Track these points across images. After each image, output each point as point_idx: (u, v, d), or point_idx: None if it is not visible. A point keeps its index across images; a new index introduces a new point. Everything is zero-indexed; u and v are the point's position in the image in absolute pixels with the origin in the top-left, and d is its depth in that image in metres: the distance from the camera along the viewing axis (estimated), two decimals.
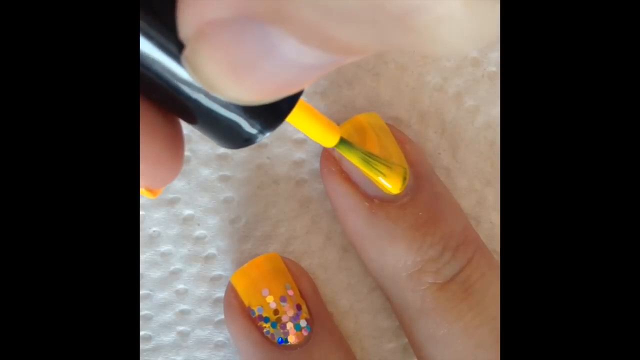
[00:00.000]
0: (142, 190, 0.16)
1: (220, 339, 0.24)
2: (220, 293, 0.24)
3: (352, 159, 0.21)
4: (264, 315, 0.22)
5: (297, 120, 0.19)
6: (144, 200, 0.24)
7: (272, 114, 0.16)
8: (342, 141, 0.20)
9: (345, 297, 0.24)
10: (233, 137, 0.16)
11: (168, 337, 0.24)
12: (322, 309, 0.23)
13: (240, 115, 0.15)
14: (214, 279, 0.24)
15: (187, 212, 0.24)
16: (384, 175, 0.21)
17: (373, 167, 0.21)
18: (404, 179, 0.21)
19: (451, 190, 0.24)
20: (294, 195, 0.24)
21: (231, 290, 0.23)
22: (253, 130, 0.16)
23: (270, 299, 0.22)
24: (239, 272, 0.23)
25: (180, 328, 0.24)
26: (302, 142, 0.24)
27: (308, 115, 0.19)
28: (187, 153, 0.24)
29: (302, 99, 0.18)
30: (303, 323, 0.22)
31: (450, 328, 0.21)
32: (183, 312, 0.24)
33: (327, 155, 0.22)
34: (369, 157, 0.21)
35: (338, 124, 0.23)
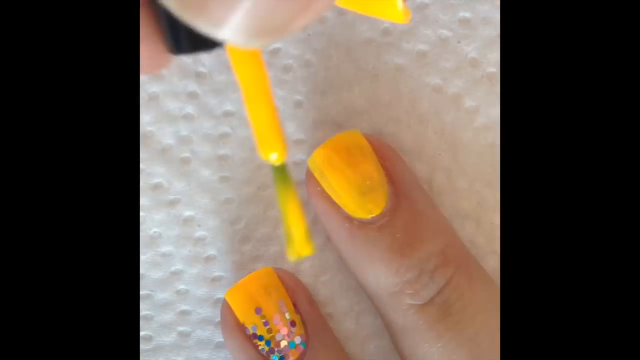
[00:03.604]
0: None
1: (221, 339, 0.24)
2: (221, 294, 0.24)
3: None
4: (258, 333, 0.22)
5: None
6: (145, 202, 0.24)
7: None
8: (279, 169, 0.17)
9: (346, 298, 0.24)
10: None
11: (169, 338, 0.24)
12: (319, 322, 0.23)
13: None
14: (215, 280, 0.24)
15: (188, 213, 0.24)
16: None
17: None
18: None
19: (451, 191, 0.24)
20: None
21: (226, 307, 0.23)
22: None
23: (263, 318, 0.22)
24: (233, 289, 0.23)
25: (181, 328, 0.24)
26: (302, 142, 0.24)
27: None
28: (187, 154, 0.24)
29: None
30: (297, 340, 0.22)
31: (430, 347, 0.21)
32: (184, 313, 0.24)
33: (310, 174, 0.22)
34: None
35: (339, 125, 0.23)
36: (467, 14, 0.23)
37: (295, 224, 0.17)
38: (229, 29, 0.13)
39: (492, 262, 0.24)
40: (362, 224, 0.22)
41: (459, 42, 0.23)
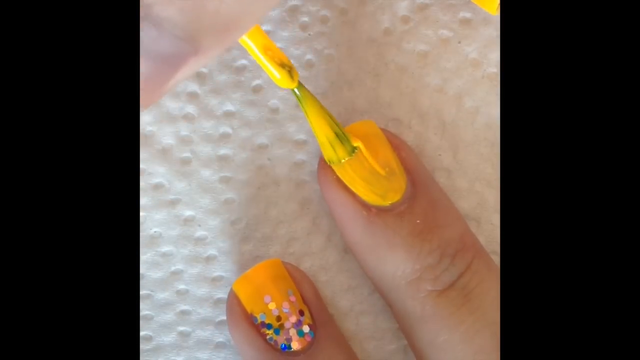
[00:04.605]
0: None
1: (221, 339, 0.24)
2: (221, 294, 0.24)
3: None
4: (267, 321, 0.22)
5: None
6: (145, 202, 0.24)
7: None
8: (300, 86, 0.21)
9: (346, 298, 0.24)
10: None
11: (169, 338, 0.24)
12: (325, 314, 0.23)
13: None
14: (215, 280, 0.24)
15: (188, 213, 0.24)
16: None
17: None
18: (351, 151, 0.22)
19: (451, 191, 0.24)
20: (295, 197, 0.24)
21: (233, 297, 0.23)
22: None
23: (272, 306, 0.22)
24: (240, 279, 0.23)
25: (181, 328, 0.24)
26: (303, 143, 0.24)
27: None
28: (187, 154, 0.24)
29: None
30: (306, 329, 0.22)
31: (451, 334, 0.21)
32: (184, 313, 0.24)
33: (324, 164, 0.22)
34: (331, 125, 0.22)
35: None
36: (468, 14, 0.23)
37: (326, 130, 0.21)
38: None
39: None
40: (381, 211, 0.22)
41: (459, 42, 0.23)
